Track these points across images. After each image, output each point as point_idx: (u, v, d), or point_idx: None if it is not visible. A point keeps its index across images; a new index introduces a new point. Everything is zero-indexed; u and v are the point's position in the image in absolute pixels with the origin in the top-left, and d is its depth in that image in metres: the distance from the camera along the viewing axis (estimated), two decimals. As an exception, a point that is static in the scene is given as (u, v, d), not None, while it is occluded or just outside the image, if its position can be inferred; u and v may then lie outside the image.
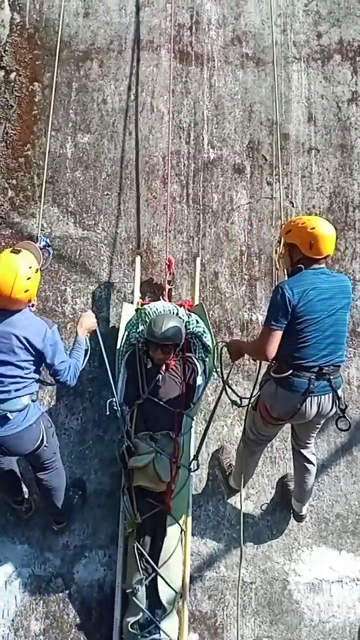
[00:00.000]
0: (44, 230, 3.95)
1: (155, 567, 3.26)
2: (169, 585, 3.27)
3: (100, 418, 3.84)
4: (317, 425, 3.38)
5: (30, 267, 2.96)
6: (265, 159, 4.32)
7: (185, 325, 3.62)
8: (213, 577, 3.62)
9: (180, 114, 4.37)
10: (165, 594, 3.25)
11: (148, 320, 3.59)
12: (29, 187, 4.19)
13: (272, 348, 3.03)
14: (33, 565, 3.59)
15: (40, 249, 3.67)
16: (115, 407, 3.33)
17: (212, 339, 3.71)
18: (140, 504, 3.35)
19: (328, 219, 4.22)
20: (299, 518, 3.73)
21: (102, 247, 4.15)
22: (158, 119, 4.35)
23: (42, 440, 3.12)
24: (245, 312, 4.07)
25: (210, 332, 3.72)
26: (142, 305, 3.77)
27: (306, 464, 3.47)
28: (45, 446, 3.15)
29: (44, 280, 4.00)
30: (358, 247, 4.27)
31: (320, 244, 3.11)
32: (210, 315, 3.91)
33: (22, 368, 2.98)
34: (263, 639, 3.54)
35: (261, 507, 3.75)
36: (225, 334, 4.03)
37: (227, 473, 3.75)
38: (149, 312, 3.65)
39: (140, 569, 3.26)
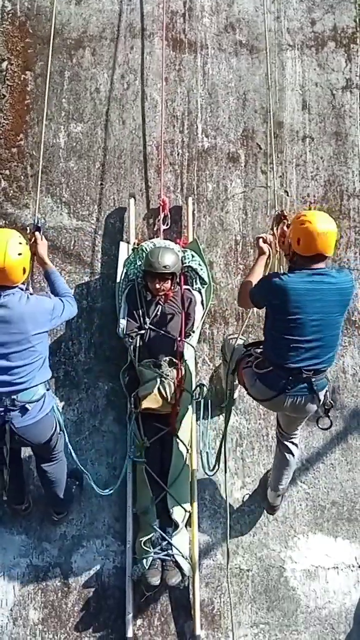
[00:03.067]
0: (40, 219, 3.89)
1: (165, 487, 3.44)
2: (178, 503, 3.46)
3: (97, 409, 3.85)
4: (298, 421, 3.36)
5: (20, 243, 2.96)
6: (260, 148, 4.30)
7: (182, 260, 3.75)
8: (210, 565, 3.64)
9: (174, 102, 4.34)
10: (175, 511, 3.44)
11: (145, 255, 3.70)
12: (22, 177, 4.16)
13: (245, 303, 3.29)
14: (31, 556, 3.61)
15: (32, 230, 3.55)
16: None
17: (207, 271, 3.85)
18: (147, 428, 3.54)
19: (322, 208, 4.23)
20: (272, 509, 3.67)
21: (96, 237, 4.13)
22: (152, 107, 4.32)
23: (56, 428, 3.18)
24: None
25: (206, 266, 3.85)
26: (138, 243, 3.90)
27: (286, 454, 3.48)
28: (59, 434, 3.21)
29: (39, 272, 3.98)
30: (353, 236, 4.27)
31: (308, 241, 2.94)
32: (205, 305, 3.91)
33: (35, 352, 2.99)
34: (260, 625, 3.58)
35: (243, 498, 3.76)
36: (221, 323, 4.03)
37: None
38: (145, 248, 3.78)
39: (150, 489, 3.45)
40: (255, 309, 3.52)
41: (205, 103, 4.35)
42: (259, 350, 3.24)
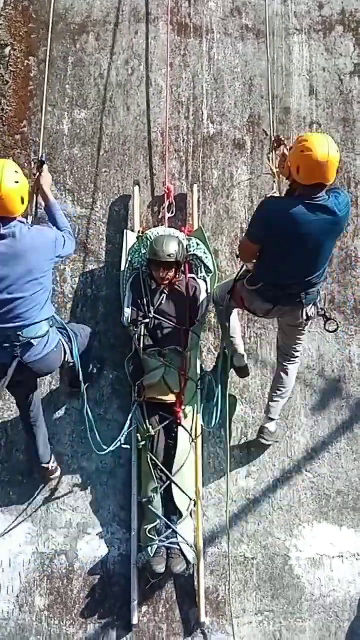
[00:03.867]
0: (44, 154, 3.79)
1: (170, 475, 3.44)
2: (183, 492, 3.46)
3: (101, 398, 3.84)
4: (297, 335, 3.48)
5: (16, 172, 2.93)
6: (266, 134, 4.24)
7: (187, 249, 3.73)
8: (215, 553, 3.65)
9: (179, 88, 4.29)
10: (180, 500, 3.45)
11: (149, 243, 3.70)
12: (25, 164, 4.12)
13: (248, 256, 3.26)
14: (37, 543, 3.63)
15: (37, 164, 3.52)
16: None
17: (212, 260, 3.82)
18: (152, 417, 3.54)
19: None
20: (267, 436, 3.64)
21: (100, 225, 4.10)
22: (156, 93, 4.26)
23: (66, 357, 3.26)
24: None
25: (211, 254, 3.82)
26: (143, 231, 3.88)
27: (282, 372, 3.58)
28: (71, 363, 3.30)
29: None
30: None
31: (307, 169, 2.84)
32: (210, 293, 3.89)
33: (40, 286, 3.02)
34: (265, 613, 3.59)
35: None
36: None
37: (232, 358, 3.71)
38: (150, 236, 3.76)
39: (155, 478, 3.45)
40: None
41: (211, 89, 4.30)
42: (250, 270, 3.30)
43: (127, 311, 3.70)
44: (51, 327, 3.17)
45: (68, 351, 3.26)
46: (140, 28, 4.33)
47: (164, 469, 3.47)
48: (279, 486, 3.80)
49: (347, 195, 3.08)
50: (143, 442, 3.51)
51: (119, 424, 3.78)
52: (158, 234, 3.77)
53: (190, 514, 3.52)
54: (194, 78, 4.30)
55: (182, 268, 3.73)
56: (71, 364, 3.35)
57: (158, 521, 3.41)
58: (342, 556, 3.71)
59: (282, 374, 3.61)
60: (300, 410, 3.92)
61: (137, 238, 3.87)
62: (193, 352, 3.69)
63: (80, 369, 3.34)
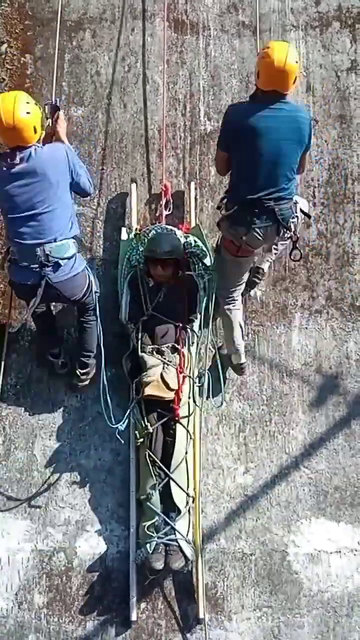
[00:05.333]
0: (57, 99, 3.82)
1: (168, 472, 3.44)
2: (181, 489, 3.47)
3: (99, 395, 3.83)
4: (249, 264, 3.64)
5: (28, 103, 3.08)
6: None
7: (184, 246, 3.74)
8: (213, 549, 3.66)
9: (176, 85, 4.28)
10: (178, 497, 3.46)
11: (146, 240, 3.71)
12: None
13: (220, 166, 3.43)
14: (35, 540, 3.63)
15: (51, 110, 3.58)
16: (116, 426, 3.45)
17: (210, 256, 3.82)
18: (150, 414, 3.53)
19: (327, 192, 4.19)
20: (241, 369, 3.74)
21: (97, 222, 4.10)
22: (153, 90, 4.26)
23: (89, 287, 3.42)
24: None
25: (209, 251, 3.82)
26: (140, 229, 3.90)
27: (233, 309, 3.66)
28: (96, 292, 3.46)
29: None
30: (357, 220, 4.23)
31: (265, 74, 3.05)
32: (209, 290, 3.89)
33: (61, 202, 3.18)
34: (263, 609, 3.60)
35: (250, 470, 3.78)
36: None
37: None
38: (147, 233, 3.77)
39: (153, 475, 3.45)
40: None
41: (208, 85, 4.29)
42: (225, 202, 3.39)
43: (125, 308, 3.70)
44: (78, 252, 3.35)
45: (92, 279, 3.43)
46: (136, 25, 4.33)
47: (162, 466, 3.48)
48: (276, 482, 3.81)
49: (310, 113, 3.28)
50: (141, 440, 3.52)
51: (118, 421, 3.78)
52: (155, 231, 3.77)
53: (189, 511, 3.52)
54: (190, 75, 4.30)
55: (180, 265, 3.74)
56: (89, 308, 3.50)
57: (156, 518, 3.42)
58: (339, 552, 3.72)
59: (233, 310, 3.69)
60: (298, 406, 3.93)
61: (135, 235, 3.87)
62: (191, 349, 3.69)
63: (97, 314, 3.50)
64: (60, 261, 3.22)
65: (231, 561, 3.64)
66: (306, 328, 4.06)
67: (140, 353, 3.60)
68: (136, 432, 3.58)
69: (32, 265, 3.21)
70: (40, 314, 3.55)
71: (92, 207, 4.11)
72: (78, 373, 3.71)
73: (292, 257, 3.46)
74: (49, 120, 3.43)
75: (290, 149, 3.16)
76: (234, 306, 3.67)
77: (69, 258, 3.26)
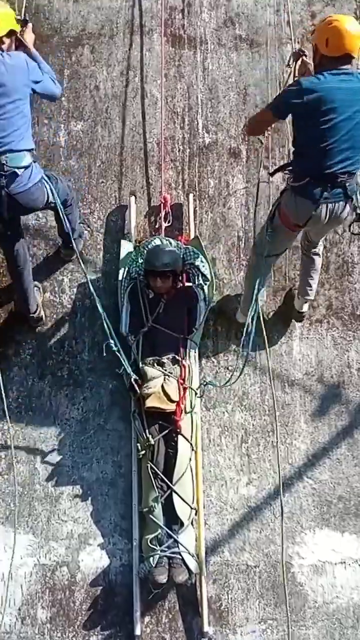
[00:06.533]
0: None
1: (170, 485, 3.42)
2: (184, 501, 3.44)
3: (101, 407, 3.84)
4: (329, 230, 3.59)
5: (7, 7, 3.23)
6: (261, 142, 4.26)
7: (183, 257, 3.76)
8: (217, 562, 3.64)
9: (174, 98, 4.33)
10: (181, 509, 3.42)
11: (146, 252, 3.73)
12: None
13: (259, 128, 3.46)
14: (38, 555, 3.61)
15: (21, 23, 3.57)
16: (113, 349, 3.40)
17: (210, 268, 3.82)
18: (152, 427, 3.52)
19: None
20: (299, 316, 3.93)
21: (97, 235, 4.12)
22: (152, 104, 4.30)
23: (48, 197, 3.42)
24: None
25: (208, 262, 3.83)
26: (139, 241, 3.92)
27: (313, 256, 3.72)
28: (52, 203, 3.44)
29: (41, 271, 3.98)
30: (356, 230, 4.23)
31: (336, 39, 3.03)
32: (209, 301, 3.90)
33: (18, 112, 3.18)
34: (268, 621, 3.57)
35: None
36: (224, 319, 4.02)
37: (234, 308, 3.92)
38: (146, 245, 3.79)
39: (155, 487, 3.43)
40: None
41: (206, 99, 4.34)
42: (290, 171, 3.35)
43: (125, 320, 3.71)
44: (34, 162, 3.34)
45: (50, 191, 3.41)
46: (134, 40, 4.38)
47: (164, 478, 3.46)
48: (281, 493, 3.78)
49: None
50: (143, 452, 3.50)
51: (119, 433, 3.79)
52: (154, 243, 3.79)
53: (192, 523, 3.51)
54: (188, 88, 4.34)
55: (179, 277, 3.75)
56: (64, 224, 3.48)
57: (159, 531, 3.40)
58: (344, 562, 3.69)
59: (313, 257, 3.73)
60: (300, 416, 3.93)
61: (134, 247, 3.89)
62: (191, 361, 3.69)
63: (64, 216, 3.45)
64: (17, 170, 3.22)
65: (235, 573, 3.62)
66: (307, 338, 4.06)
67: (140, 365, 3.60)
68: (138, 444, 3.57)
69: None
70: (12, 244, 3.55)
71: (92, 220, 4.13)
72: (62, 252, 3.89)
73: (351, 231, 3.43)
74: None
75: None
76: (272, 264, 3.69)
77: (25, 167, 3.26)
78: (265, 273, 3.61)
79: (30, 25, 3.48)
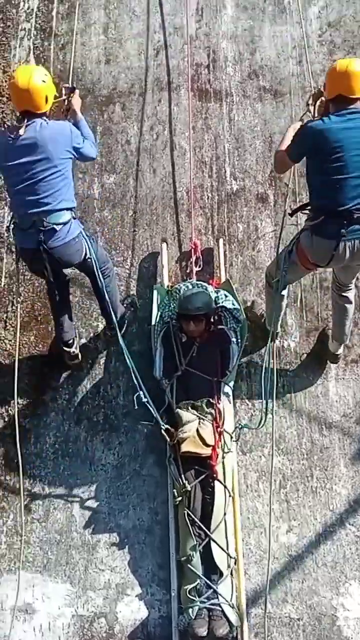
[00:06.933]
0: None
1: (208, 532, 3.36)
2: (223, 550, 3.37)
3: (137, 452, 3.84)
4: (355, 269, 3.53)
5: (45, 75, 3.39)
6: (288, 186, 4.35)
7: (215, 301, 3.80)
8: (259, 614, 3.51)
9: (202, 149, 4.47)
10: (219, 558, 3.35)
11: (178, 297, 3.78)
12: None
13: (280, 168, 3.55)
14: (76, 605, 3.56)
15: (68, 91, 3.77)
16: (143, 400, 3.48)
17: (241, 310, 3.85)
18: (187, 472, 3.48)
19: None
20: (335, 358, 3.91)
21: (131, 282, 4.22)
22: (180, 155, 4.46)
23: (86, 253, 3.57)
24: (277, 339, 4.04)
25: (239, 305, 3.86)
26: (172, 286, 3.99)
27: (345, 303, 3.69)
28: (88, 258, 3.58)
29: (76, 317, 4.08)
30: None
31: (331, 81, 3.16)
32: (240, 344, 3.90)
33: (60, 175, 3.38)
34: None
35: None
36: (258, 361, 4.01)
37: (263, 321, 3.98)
38: (178, 290, 3.85)
39: (193, 535, 3.37)
40: None
41: (232, 147, 4.47)
42: (307, 209, 3.42)
43: (159, 365, 3.74)
44: (74, 219, 3.51)
45: (88, 247, 3.56)
46: (163, 96, 4.58)
47: (202, 525, 3.39)
48: (321, 541, 3.67)
49: None
50: (179, 498, 3.46)
51: (155, 479, 3.76)
52: (186, 287, 3.86)
53: (231, 573, 3.41)
54: (215, 139, 4.49)
55: (212, 320, 3.79)
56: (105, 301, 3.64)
57: (198, 581, 3.32)
58: (393, 616, 3.51)
59: (345, 305, 3.71)
60: (339, 460, 3.83)
61: (167, 292, 3.96)
62: (226, 404, 3.67)
63: (100, 275, 3.60)
64: (55, 226, 3.39)
65: (278, 626, 3.48)
66: (343, 378, 4.00)
67: (175, 409, 3.60)
68: (174, 490, 3.53)
69: (29, 230, 3.41)
70: (54, 288, 3.70)
71: (125, 267, 4.24)
72: (108, 333, 3.97)
73: None
74: (65, 100, 3.66)
75: None
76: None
77: (64, 224, 3.42)
78: (279, 300, 3.72)
79: (77, 91, 3.71)
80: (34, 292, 4.19)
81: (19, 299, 3.97)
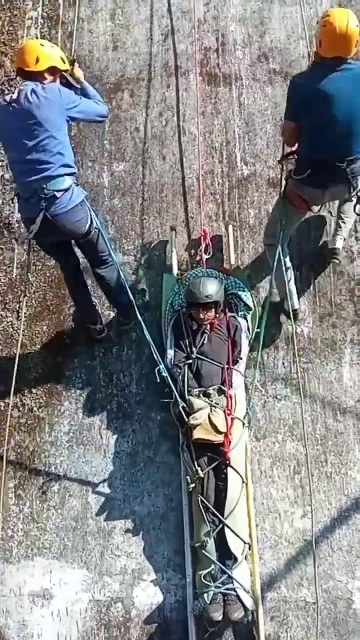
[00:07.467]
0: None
1: (222, 518, 3.36)
2: (237, 535, 3.37)
3: (150, 440, 3.86)
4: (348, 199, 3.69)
5: (42, 45, 3.39)
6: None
7: (225, 287, 3.79)
8: (274, 598, 3.53)
9: (212, 134, 4.43)
10: (234, 543, 3.36)
11: (188, 284, 3.79)
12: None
13: (288, 138, 3.48)
14: (92, 590, 3.61)
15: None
16: (163, 374, 3.53)
17: (252, 297, 3.84)
18: (201, 459, 3.48)
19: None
20: (339, 255, 3.97)
21: (142, 270, 4.21)
22: (190, 141, 4.42)
23: (91, 221, 3.48)
24: (290, 325, 4.01)
25: (250, 291, 3.84)
26: (182, 274, 4.01)
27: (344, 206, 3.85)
28: (96, 228, 3.51)
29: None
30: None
31: (327, 41, 3.12)
32: (251, 332, 3.89)
33: (56, 140, 3.29)
34: (331, 663, 3.41)
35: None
36: (270, 348, 3.99)
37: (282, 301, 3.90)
38: (188, 277, 3.86)
39: (207, 521, 3.38)
40: None
41: (243, 132, 4.42)
42: (294, 161, 3.51)
43: (170, 353, 3.74)
44: (76, 185, 3.43)
45: (92, 216, 3.48)
46: (171, 82, 4.54)
47: (215, 512, 3.40)
48: (336, 526, 3.66)
49: None
50: (193, 485, 3.47)
51: (170, 466, 3.78)
52: (196, 275, 3.84)
53: (246, 558, 3.43)
54: (225, 124, 4.44)
55: (222, 307, 3.77)
56: (104, 258, 3.66)
57: (213, 566, 3.34)
58: None
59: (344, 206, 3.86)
60: (354, 445, 3.81)
61: (177, 280, 3.95)
62: (238, 391, 3.67)
63: (106, 241, 3.59)
64: (56, 193, 3.32)
65: (294, 610, 3.49)
66: (357, 364, 3.97)
67: (187, 396, 3.61)
68: (187, 477, 3.54)
69: (31, 199, 3.35)
70: (69, 270, 3.72)
71: (136, 256, 4.24)
72: (122, 327, 3.98)
73: (356, 212, 3.60)
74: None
75: None
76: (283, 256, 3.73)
77: (65, 190, 3.34)
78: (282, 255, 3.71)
79: (76, 64, 3.68)
80: (45, 282, 4.20)
81: (27, 289, 4.02)
